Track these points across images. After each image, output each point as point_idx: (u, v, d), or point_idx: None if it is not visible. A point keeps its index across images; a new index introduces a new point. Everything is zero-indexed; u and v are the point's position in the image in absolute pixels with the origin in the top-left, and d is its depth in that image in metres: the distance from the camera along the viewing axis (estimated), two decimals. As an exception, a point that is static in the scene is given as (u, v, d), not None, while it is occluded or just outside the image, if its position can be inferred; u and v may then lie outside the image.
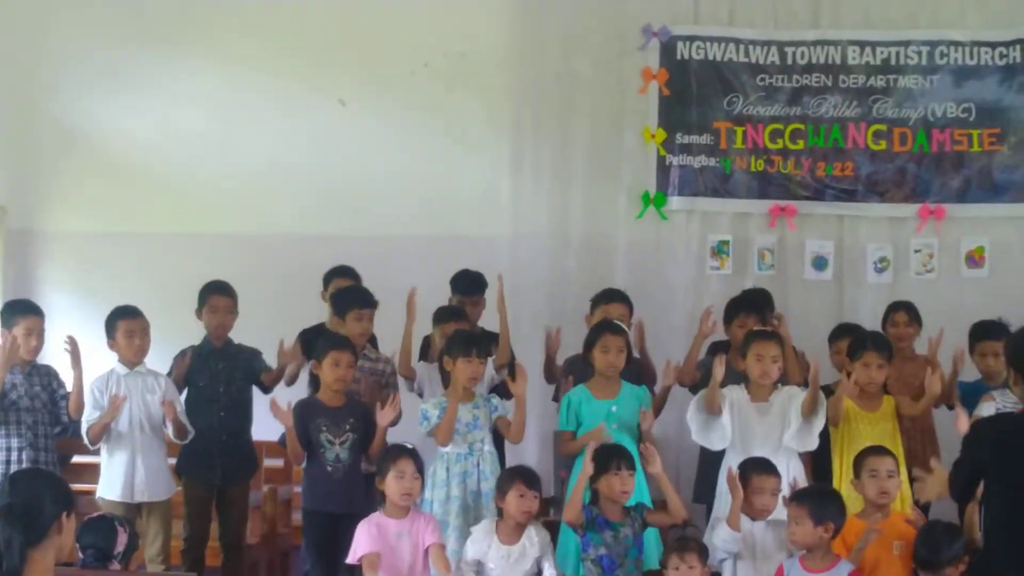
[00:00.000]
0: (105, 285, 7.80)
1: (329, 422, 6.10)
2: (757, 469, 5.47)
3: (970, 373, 6.61)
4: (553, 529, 5.76)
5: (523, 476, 5.55)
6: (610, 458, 5.50)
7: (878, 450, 5.57)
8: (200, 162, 8.18)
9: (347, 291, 6.81)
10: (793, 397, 5.93)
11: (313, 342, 6.58)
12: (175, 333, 6.68)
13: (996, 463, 4.66)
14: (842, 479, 5.83)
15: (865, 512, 5.37)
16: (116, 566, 5.06)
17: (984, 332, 6.39)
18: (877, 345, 5.97)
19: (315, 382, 6.32)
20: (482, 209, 8.05)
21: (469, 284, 7.03)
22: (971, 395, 6.33)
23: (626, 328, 6.41)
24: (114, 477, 6.30)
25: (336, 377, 6.05)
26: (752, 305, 6.85)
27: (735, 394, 5.94)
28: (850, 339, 6.20)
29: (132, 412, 6.31)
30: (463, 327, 6.50)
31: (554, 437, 6.95)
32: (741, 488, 5.28)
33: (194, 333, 6.59)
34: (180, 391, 6.50)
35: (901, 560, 5.18)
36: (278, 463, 7.58)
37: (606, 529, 5.44)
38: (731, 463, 5.55)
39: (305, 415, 6.10)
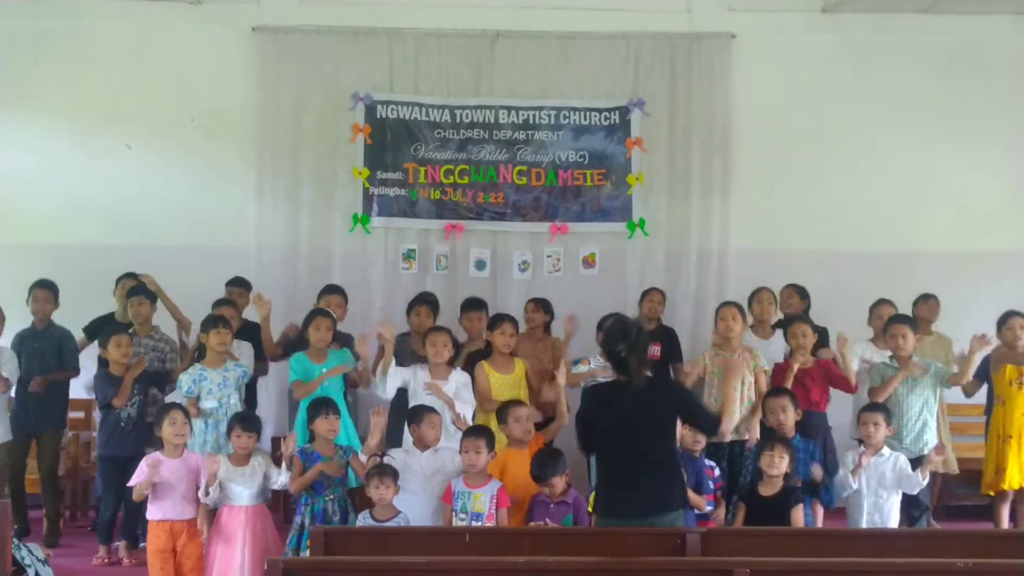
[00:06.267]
0: None
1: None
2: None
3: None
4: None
5: (241, 421, 6.32)
6: (320, 406, 6.37)
7: (517, 402, 6.57)
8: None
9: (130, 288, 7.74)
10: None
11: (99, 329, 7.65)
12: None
13: (595, 420, 5.33)
14: None
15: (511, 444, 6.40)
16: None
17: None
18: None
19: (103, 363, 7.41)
20: (234, 227, 9.02)
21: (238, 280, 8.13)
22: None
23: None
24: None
25: (120, 355, 7.22)
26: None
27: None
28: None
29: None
30: (230, 312, 7.62)
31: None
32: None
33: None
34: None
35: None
36: (79, 415, 8.61)
37: (319, 459, 6.19)
38: None
39: (104, 384, 7.21)
